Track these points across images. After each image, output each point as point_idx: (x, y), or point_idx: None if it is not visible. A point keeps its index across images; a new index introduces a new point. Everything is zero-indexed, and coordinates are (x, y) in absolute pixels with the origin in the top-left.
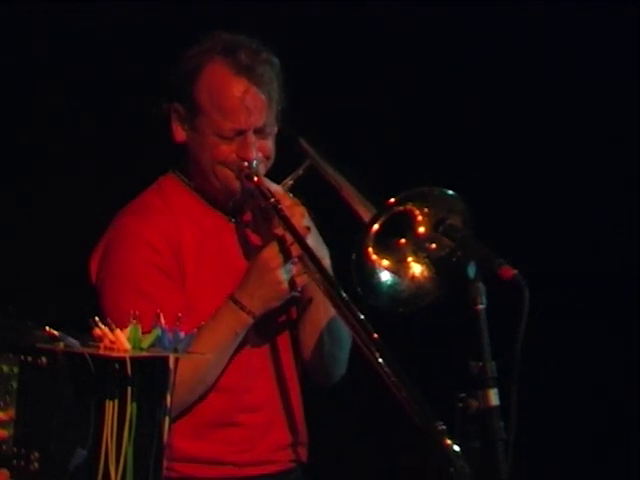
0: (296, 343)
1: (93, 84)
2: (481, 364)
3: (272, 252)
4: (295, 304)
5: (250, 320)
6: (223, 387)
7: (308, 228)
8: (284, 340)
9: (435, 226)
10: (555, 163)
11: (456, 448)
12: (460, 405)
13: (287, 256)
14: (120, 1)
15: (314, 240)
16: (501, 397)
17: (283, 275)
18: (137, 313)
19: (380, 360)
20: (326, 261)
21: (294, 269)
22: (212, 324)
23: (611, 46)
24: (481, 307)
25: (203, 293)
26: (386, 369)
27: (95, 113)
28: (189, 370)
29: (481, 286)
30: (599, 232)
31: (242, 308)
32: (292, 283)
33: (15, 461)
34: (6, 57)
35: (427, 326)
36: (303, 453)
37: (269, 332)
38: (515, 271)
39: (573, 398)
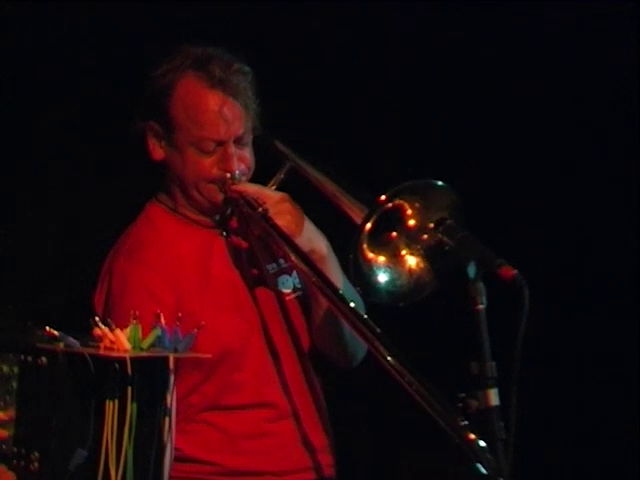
0: (307, 347)
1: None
2: (481, 364)
3: None
4: (298, 309)
5: None
6: (243, 404)
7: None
8: (294, 346)
9: (435, 226)
10: (555, 163)
11: (482, 443)
12: (460, 405)
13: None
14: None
15: (308, 234)
16: (501, 397)
17: None
18: (137, 313)
19: (389, 359)
20: (323, 252)
21: None
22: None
23: (611, 45)
24: (481, 307)
25: (210, 311)
26: (399, 368)
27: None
28: None
29: (481, 286)
30: (599, 232)
31: None
32: None
33: (15, 461)
34: None
35: (427, 326)
36: (334, 458)
37: (278, 343)
38: (515, 271)
39: (573, 398)
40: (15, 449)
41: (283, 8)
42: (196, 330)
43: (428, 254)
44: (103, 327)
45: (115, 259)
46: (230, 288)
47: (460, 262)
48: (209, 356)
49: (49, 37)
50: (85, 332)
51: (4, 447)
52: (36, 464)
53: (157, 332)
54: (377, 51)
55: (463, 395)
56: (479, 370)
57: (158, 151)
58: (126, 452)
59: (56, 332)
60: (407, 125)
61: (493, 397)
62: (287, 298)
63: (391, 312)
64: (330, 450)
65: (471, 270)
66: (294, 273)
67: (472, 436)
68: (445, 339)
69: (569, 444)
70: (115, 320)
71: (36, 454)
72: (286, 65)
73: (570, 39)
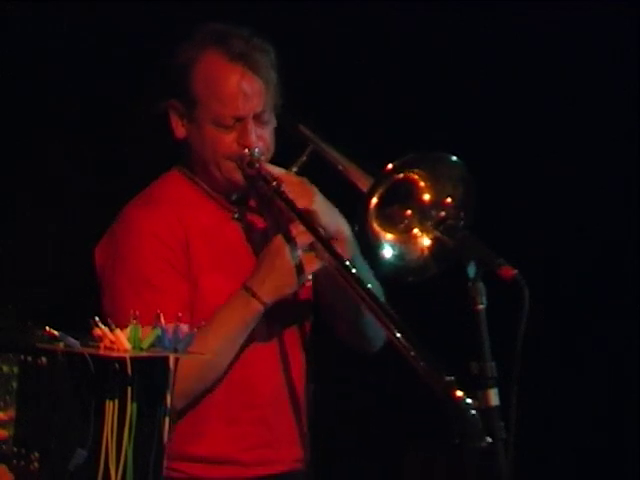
0: (305, 339)
1: (92, 83)
2: (481, 364)
3: (283, 239)
4: (301, 299)
5: (260, 308)
6: (227, 382)
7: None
8: (293, 336)
9: (436, 225)
10: (555, 163)
11: (468, 400)
12: None
13: (296, 243)
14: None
15: (329, 215)
16: (501, 397)
17: (294, 262)
18: (137, 313)
19: (398, 335)
20: (346, 234)
21: (304, 257)
22: (222, 313)
23: (611, 46)
24: (481, 307)
25: (211, 286)
26: (407, 346)
27: (96, 112)
28: (195, 362)
29: (481, 286)
30: (599, 232)
31: (253, 295)
32: (301, 270)
33: (15, 461)
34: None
35: (427, 326)
36: (307, 453)
37: (278, 327)
38: (515, 271)
39: (573, 398)
40: (15, 449)
41: (283, 8)
42: (196, 330)
43: (442, 232)
44: (103, 327)
45: (123, 212)
46: (234, 270)
47: (460, 261)
48: (210, 357)
49: (49, 37)
50: (85, 332)
51: (4, 447)
52: (36, 464)
53: (157, 332)
54: (377, 51)
55: None
56: (479, 370)
57: (180, 129)
58: (126, 452)
59: (56, 332)
60: (407, 125)
61: (493, 397)
62: None
63: (399, 283)
64: (305, 446)
65: (471, 270)
66: None
67: (459, 393)
68: (445, 339)
69: (569, 444)
70: (116, 266)
71: (36, 454)
72: (286, 65)
73: (570, 39)
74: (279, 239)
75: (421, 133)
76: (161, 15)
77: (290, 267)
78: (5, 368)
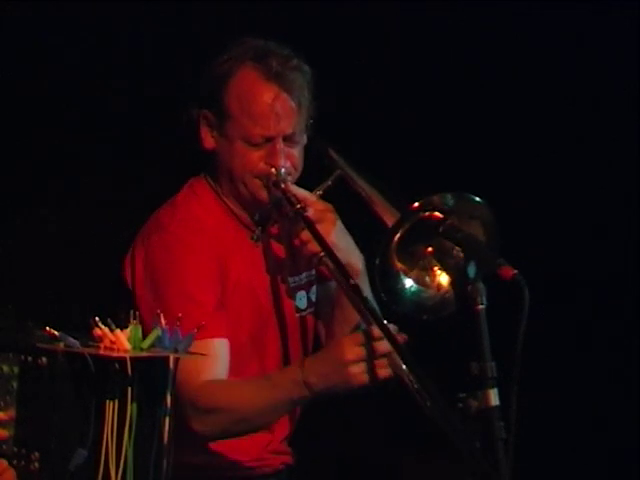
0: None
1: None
2: (481, 364)
3: (351, 343)
4: (307, 325)
5: (307, 394)
6: None
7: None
8: (298, 353)
9: (435, 226)
10: (556, 163)
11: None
12: (460, 405)
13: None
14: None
15: (344, 247)
16: (501, 397)
17: (357, 369)
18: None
19: (404, 367)
20: (359, 267)
21: (378, 362)
22: (275, 379)
23: (611, 46)
24: (481, 307)
25: (236, 305)
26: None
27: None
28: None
29: (481, 286)
30: (600, 232)
31: (306, 384)
32: (370, 371)
33: (15, 461)
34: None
35: (427, 326)
36: (292, 455)
37: (284, 354)
38: (515, 271)
39: (573, 397)
40: (15, 449)
41: (283, 8)
42: (196, 330)
43: (460, 271)
44: (103, 327)
45: (162, 230)
46: (249, 294)
47: (460, 262)
48: (207, 355)
49: (49, 37)
50: (85, 332)
51: (4, 447)
52: (36, 464)
53: (157, 332)
54: (377, 51)
55: (463, 395)
56: (479, 370)
57: (209, 140)
58: (126, 452)
59: (56, 332)
60: (407, 126)
61: (493, 397)
62: (300, 314)
63: (391, 312)
64: (289, 450)
65: (471, 270)
66: (312, 289)
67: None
68: (445, 339)
69: (569, 444)
70: (169, 282)
71: (36, 454)
72: None
73: (570, 39)
74: (348, 342)
75: (421, 133)
76: (161, 15)
77: (351, 374)
78: (5, 368)
